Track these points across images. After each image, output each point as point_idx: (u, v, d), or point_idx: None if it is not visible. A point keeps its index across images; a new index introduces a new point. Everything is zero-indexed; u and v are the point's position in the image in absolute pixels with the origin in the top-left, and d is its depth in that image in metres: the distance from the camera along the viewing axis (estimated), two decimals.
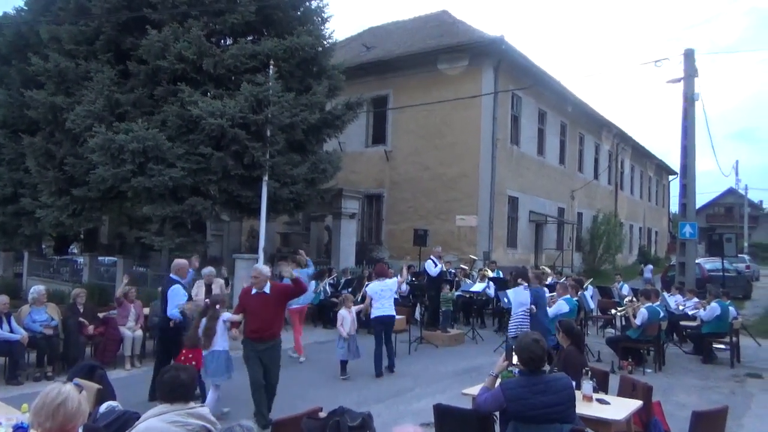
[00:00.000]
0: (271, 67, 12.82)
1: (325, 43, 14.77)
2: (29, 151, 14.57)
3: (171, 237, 12.81)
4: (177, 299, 7.04)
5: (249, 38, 13.92)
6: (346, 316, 8.68)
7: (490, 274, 14.17)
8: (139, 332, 9.11)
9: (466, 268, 14.88)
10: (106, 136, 11.89)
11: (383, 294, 8.83)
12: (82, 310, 8.90)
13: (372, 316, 8.89)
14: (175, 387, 3.07)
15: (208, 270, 9.69)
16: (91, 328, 8.72)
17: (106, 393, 4.61)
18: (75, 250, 23.88)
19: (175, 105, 12.33)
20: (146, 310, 9.51)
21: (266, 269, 6.32)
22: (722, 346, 10.24)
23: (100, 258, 17.99)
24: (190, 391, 3.13)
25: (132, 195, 12.70)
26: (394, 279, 9.39)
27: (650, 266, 23.96)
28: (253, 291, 6.17)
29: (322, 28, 14.74)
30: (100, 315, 9.25)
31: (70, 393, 2.47)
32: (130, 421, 3.48)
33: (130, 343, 8.91)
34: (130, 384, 7.49)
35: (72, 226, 14.99)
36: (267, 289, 6.13)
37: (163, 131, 12.19)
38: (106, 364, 7.60)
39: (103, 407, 3.91)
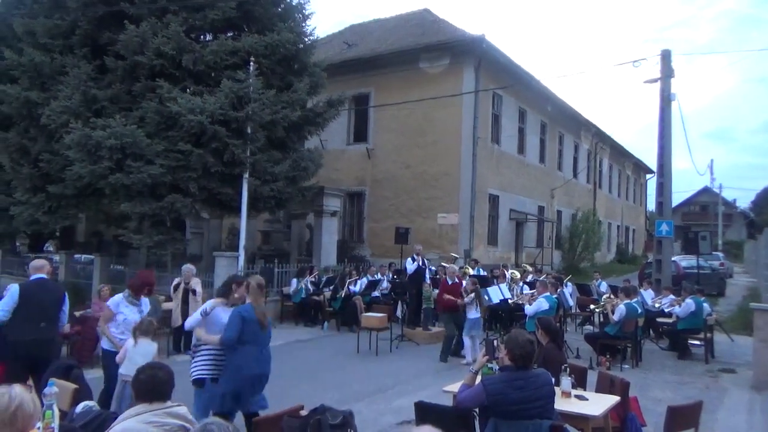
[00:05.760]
0: (252, 63, 12.74)
1: (307, 40, 14.70)
2: (3, 147, 14.29)
3: (150, 235, 12.65)
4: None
5: (229, 34, 13.80)
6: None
7: (471, 271, 14.23)
8: None
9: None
10: (83, 132, 11.70)
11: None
12: None
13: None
14: (153, 386, 3.03)
15: (187, 267, 9.63)
16: (67, 327, 8.55)
17: (82, 393, 4.54)
18: (50, 248, 23.47)
19: (153, 101, 12.17)
20: None
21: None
22: (697, 342, 10.41)
23: (76, 256, 17.73)
24: (168, 389, 3.09)
25: (110, 192, 12.50)
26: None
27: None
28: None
29: (303, 25, 14.67)
30: (77, 314, 9.09)
31: (22, 395, 2.32)
32: (107, 421, 3.43)
33: None
34: None
35: (47, 224, 14.74)
36: None
37: (142, 128, 12.03)
38: (83, 364, 7.45)
39: (79, 407, 3.86)
